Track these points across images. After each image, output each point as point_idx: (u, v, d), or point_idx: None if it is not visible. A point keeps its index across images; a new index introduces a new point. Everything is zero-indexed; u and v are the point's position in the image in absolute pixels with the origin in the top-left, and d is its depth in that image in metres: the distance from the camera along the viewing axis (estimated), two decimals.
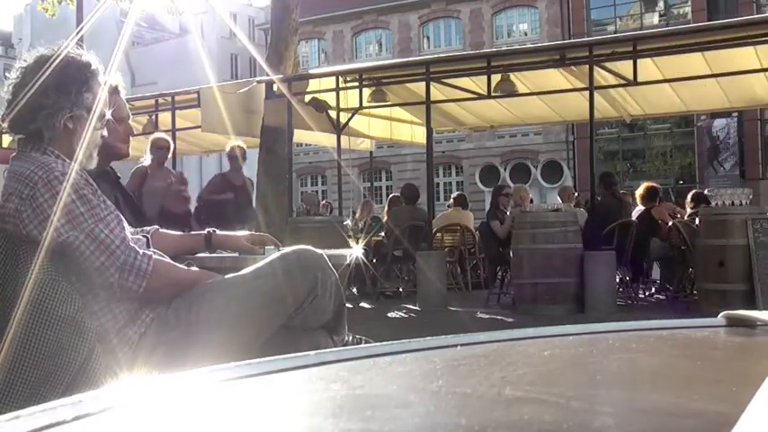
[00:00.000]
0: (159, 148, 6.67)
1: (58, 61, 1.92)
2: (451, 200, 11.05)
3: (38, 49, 1.99)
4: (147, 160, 6.55)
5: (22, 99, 1.88)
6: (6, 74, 2.04)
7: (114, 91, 2.39)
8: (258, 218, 8.24)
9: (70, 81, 1.92)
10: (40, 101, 1.89)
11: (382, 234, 9.49)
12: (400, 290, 9.47)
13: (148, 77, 34.75)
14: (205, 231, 2.43)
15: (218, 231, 2.43)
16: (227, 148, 8.09)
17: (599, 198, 8.57)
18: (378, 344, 0.78)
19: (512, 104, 10.71)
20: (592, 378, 0.70)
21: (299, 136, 11.28)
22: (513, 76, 9.16)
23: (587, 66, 8.27)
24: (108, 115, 2.06)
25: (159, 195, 6.26)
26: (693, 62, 8.48)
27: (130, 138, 2.63)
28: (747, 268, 6.81)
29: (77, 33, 9.59)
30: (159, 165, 6.62)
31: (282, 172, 10.27)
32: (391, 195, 11.39)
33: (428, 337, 0.76)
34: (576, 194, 13.68)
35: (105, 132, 2.08)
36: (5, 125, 1.97)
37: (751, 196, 7.50)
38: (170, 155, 7.09)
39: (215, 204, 7.59)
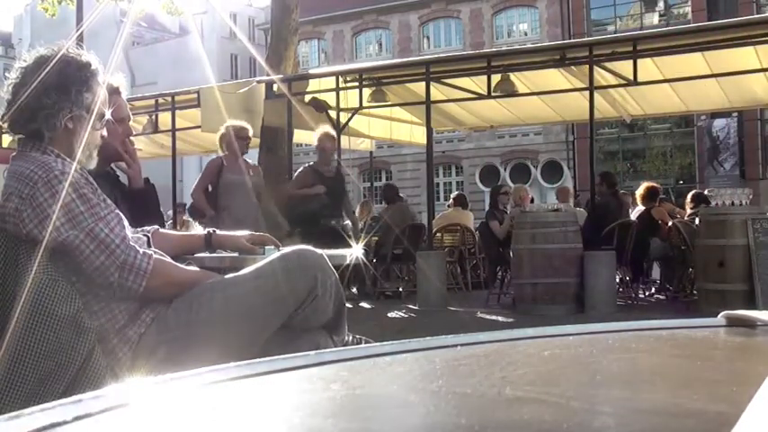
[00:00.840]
0: (241, 138, 6.15)
1: (57, 61, 1.92)
2: (451, 200, 11.05)
3: (38, 49, 1.99)
4: (221, 151, 6.20)
5: (22, 99, 1.88)
6: (6, 74, 2.04)
7: (115, 92, 2.39)
8: (349, 211, 7.55)
9: (70, 81, 1.92)
10: (41, 101, 1.89)
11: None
12: (400, 290, 9.47)
13: (148, 77, 34.77)
14: (205, 231, 2.43)
15: (218, 231, 2.43)
16: (316, 137, 7.29)
17: (599, 198, 8.56)
18: (378, 344, 0.78)
19: (512, 104, 10.71)
20: (592, 378, 0.70)
21: (299, 136, 11.26)
22: (513, 76, 9.16)
23: (587, 66, 8.27)
24: (108, 115, 2.06)
25: (237, 188, 5.94)
26: (693, 62, 8.48)
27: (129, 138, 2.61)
28: (747, 268, 6.81)
29: (77, 33, 9.59)
30: (238, 156, 6.12)
31: (282, 172, 10.26)
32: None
33: (428, 337, 0.76)
34: (577, 195, 13.64)
35: (105, 132, 2.08)
36: (5, 125, 1.97)
37: (751, 196, 7.50)
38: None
39: (303, 200, 7.05)
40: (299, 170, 7.40)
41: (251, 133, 6.52)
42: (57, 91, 1.90)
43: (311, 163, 7.31)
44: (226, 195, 6.11)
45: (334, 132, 7.70)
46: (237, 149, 6.09)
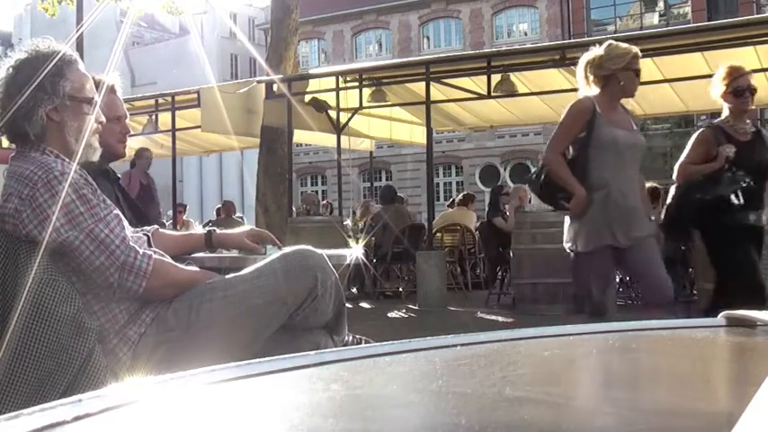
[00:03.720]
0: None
1: (26, 59, 1.91)
2: (458, 198, 11.03)
3: (5, 60, 1.95)
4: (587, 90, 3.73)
5: (8, 110, 1.87)
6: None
7: (111, 90, 2.39)
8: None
9: (41, 73, 1.88)
10: (19, 103, 1.87)
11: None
12: (400, 290, 9.47)
13: (148, 77, 34.77)
14: (205, 230, 2.43)
15: (217, 230, 2.43)
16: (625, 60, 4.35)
17: None
18: (378, 344, 0.78)
19: (512, 104, 10.71)
20: (592, 378, 0.70)
21: (299, 136, 11.28)
22: (513, 76, 9.16)
23: None
24: (97, 98, 2.02)
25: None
26: (693, 62, 8.47)
27: (127, 137, 2.60)
28: None
29: (77, 33, 9.59)
30: (611, 100, 3.58)
31: (282, 172, 10.27)
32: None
33: (428, 337, 0.76)
34: None
35: (102, 118, 2.05)
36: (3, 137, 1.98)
37: None
38: None
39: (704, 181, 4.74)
40: (696, 135, 4.39)
41: None
42: (30, 87, 1.87)
43: (713, 122, 4.39)
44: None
45: None
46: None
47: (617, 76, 3.45)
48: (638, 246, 3.43)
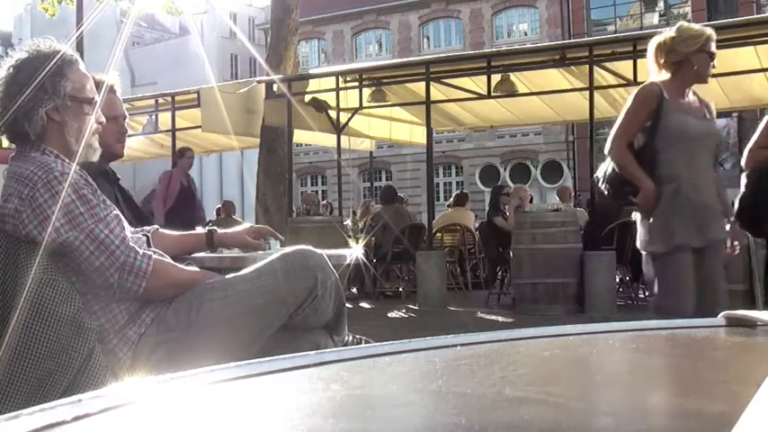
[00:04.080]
0: None
1: (26, 59, 1.91)
2: (451, 199, 11.03)
3: (6, 59, 1.95)
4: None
5: (8, 110, 1.87)
6: None
7: (110, 90, 2.38)
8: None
9: (41, 73, 1.88)
10: (20, 103, 1.87)
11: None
12: (400, 290, 9.47)
13: (148, 77, 34.76)
14: (206, 230, 2.43)
15: (218, 230, 2.43)
16: None
17: (598, 198, 8.56)
18: (378, 344, 0.78)
19: (512, 104, 10.71)
20: (592, 378, 0.70)
21: (299, 136, 11.28)
22: (513, 76, 9.16)
23: (587, 66, 8.27)
24: (98, 99, 2.02)
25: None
26: None
27: (126, 137, 2.60)
28: (747, 268, 6.81)
29: (77, 33, 9.59)
30: (682, 86, 3.33)
31: (282, 172, 10.28)
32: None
33: (428, 337, 0.76)
34: (578, 195, 13.62)
35: (102, 119, 2.05)
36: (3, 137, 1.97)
37: None
38: None
39: None
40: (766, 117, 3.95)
41: None
42: (30, 87, 1.87)
43: None
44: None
45: None
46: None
47: (690, 60, 3.12)
48: (711, 249, 3.12)
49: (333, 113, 10.43)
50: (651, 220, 3.13)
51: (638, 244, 3.25)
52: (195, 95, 10.42)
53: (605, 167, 3.29)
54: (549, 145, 28.01)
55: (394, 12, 31.86)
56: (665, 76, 3.19)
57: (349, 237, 8.68)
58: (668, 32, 3.18)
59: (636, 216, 3.26)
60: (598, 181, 3.38)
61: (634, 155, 3.16)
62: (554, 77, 9.26)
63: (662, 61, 3.17)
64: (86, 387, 1.73)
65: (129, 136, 2.68)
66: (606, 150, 3.27)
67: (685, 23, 3.25)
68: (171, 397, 0.58)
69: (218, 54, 36.73)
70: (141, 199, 11.47)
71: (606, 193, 3.38)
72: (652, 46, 3.22)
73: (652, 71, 3.25)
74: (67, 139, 1.93)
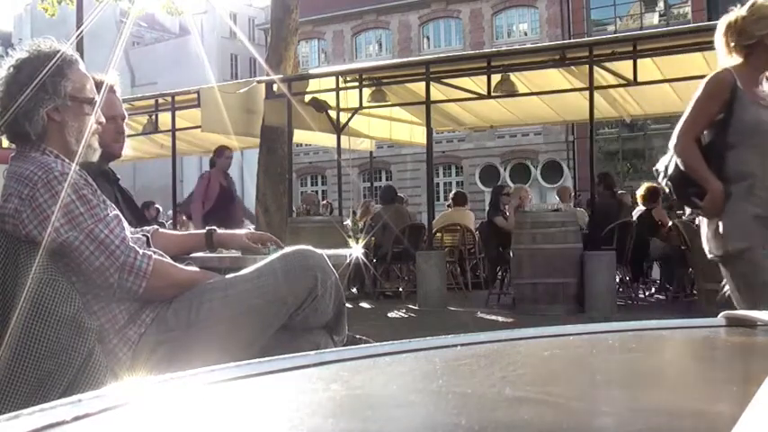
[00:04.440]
0: None
1: (27, 58, 1.91)
2: (450, 200, 11.02)
3: (7, 59, 1.95)
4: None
5: (9, 109, 1.87)
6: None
7: (110, 90, 2.38)
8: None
9: (42, 73, 1.88)
10: (21, 103, 1.87)
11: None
12: (400, 290, 9.47)
13: (148, 77, 34.77)
14: (205, 230, 2.43)
15: (218, 230, 2.43)
16: None
17: (598, 199, 8.57)
18: (378, 344, 0.78)
19: (512, 104, 10.72)
20: (592, 378, 0.70)
21: (299, 136, 11.28)
22: (513, 76, 9.16)
23: (587, 66, 8.27)
24: (98, 99, 2.02)
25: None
26: (693, 62, 8.46)
27: (125, 138, 2.60)
28: None
29: (78, 33, 9.59)
30: (755, 72, 3.21)
31: (282, 172, 10.27)
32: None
33: (428, 337, 0.76)
34: (578, 195, 13.61)
35: (102, 119, 2.05)
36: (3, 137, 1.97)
37: None
38: None
39: None
40: None
41: None
42: (31, 87, 1.87)
43: None
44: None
45: None
46: None
47: (764, 43, 2.72)
48: None
49: (333, 113, 10.43)
50: (720, 222, 2.78)
51: (706, 250, 2.88)
52: (195, 95, 10.41)
53: (666, 161, 2.96)
54: (549, 145, 28.01)
55: (394, 12, 31.86)
56: (737, 60, 2.79)
57: (349, 237, 8.68)
58: (739, 10, 2.78)
59: (702, 220, 2.92)
60: (657, 174, 3.05)
61: (701, 151, 2.82)
62: (554, 77, 9.26)
63: (732, 44, 2.78)
64: (86, 387, 1.73)
65: (129, 136, 2.67)
66: (671, 144, 2.92)
67: (759, 0, 2.79)
68: (171, 397, 0.58)
69: (218, 54, 36.74)
70: (180, 203, 11.22)
71: (668, 191, 3.03)
72: (721, 27, 2.83)
73: (721, 54, 2.86)
74: (68, 140, 1.93)
